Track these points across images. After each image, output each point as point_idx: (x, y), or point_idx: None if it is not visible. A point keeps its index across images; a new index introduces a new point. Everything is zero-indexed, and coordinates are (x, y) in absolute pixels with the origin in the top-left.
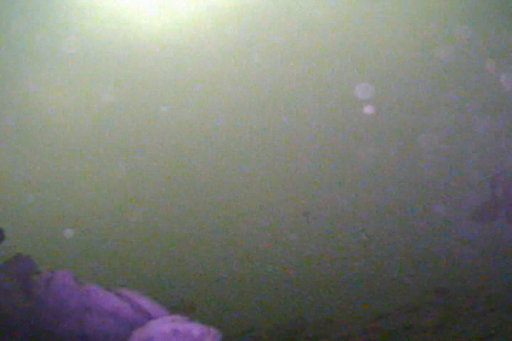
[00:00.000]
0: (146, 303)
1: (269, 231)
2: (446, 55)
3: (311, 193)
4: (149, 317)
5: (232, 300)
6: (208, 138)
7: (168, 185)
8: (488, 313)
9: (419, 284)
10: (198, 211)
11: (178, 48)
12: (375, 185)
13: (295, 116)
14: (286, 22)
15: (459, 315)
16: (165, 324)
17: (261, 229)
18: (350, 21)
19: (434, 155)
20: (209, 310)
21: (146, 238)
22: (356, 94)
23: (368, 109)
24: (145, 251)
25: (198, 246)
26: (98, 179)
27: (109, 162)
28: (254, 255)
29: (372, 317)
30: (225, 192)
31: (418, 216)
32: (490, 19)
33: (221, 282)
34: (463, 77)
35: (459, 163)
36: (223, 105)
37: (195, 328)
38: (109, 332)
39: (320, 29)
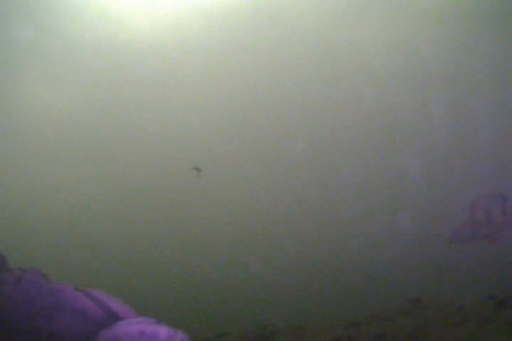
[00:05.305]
0: (114, 304)
1: (243, 237)
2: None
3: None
4: (117, 317)
5: (203, 303)
6: (203, 139)
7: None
8: (461, 324)
9: (392, 293)
10: (181, 214)
11: (171, 48)
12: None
13: (290, 118)
14: (280, 22)
15: (431, 325)
16: (132, 325)
17: (235, 234)
18: (344, 21)
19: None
20: (179, 313)
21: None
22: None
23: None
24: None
25: (173, 249)
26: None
27: (104, 162)
28: (228, 259)
29: (344, 325)
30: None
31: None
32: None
33: (192, 285)
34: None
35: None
36: (217, 105)
37: (162, 330)
38: (78, 331)
39: (314, 29)
